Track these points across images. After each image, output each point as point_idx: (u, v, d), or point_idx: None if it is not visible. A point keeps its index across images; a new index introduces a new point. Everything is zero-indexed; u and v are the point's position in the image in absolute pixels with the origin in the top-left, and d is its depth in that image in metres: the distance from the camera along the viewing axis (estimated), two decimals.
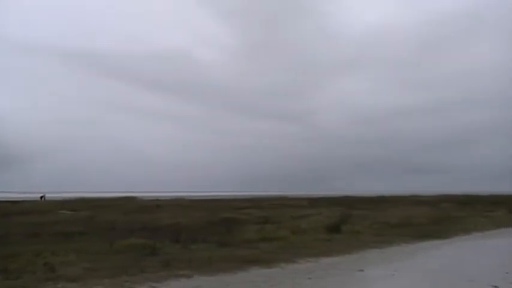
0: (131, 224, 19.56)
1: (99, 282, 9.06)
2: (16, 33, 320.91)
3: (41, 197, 57.52)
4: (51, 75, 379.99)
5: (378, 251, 14.54)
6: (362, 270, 10.95)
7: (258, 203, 44.77)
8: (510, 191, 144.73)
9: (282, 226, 19.97)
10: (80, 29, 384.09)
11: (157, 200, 50.49)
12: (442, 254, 14.23)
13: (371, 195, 78.20)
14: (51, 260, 11.00)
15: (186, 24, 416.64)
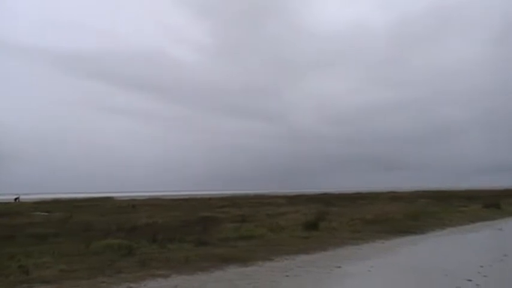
0: (108, 225, 19.40)
1: (75, 284, 8.94)
2: None
3: (15, 199, 56.78)
4: (27, 75, 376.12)
5: (355, 248, 14.62)
6: (339, 267, 11.00)
7: (236, 201, 44.80)
8: (484, 186, 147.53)
9: (259, 224, 19.97)
10: (57, 29, 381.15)
11: (134, 200, 50.23)
12: (417, 250, 14.38)
13: (348, 192, 78.79)
14: (26, 262, 10.82)
15: (164, 23, 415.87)
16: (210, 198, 54.58)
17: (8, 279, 9.28)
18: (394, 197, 54.39)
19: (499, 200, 39.47)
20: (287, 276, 9.95)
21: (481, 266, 10.92)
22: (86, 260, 11.56)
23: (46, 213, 30.10)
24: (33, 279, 9.30)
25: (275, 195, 66.79)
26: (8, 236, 15.89)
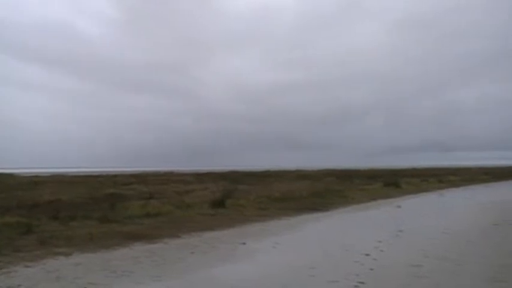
0: (6, 202, 18.49)
1: None
2: None
3: None
4: None
5: (261, 225, 14.86)
6: (244, 244, 11.13)
7: (143, 178, 44.10)
8: (386, 166, 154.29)
9: (166, 201, 19.83)
10: None
11: (37, 176, 48.18)
12: (321, 226, 14.81)
13: (256, 170, 79.74)
14: None
15: None
16: (116, 175, 53.32)
17: None
18: (300, 175, 55.54)
19: (398, 179, 41.46)
20: (193, 253, 9.96)
21: (379, 241, 11.45)
22: None
23: None
24: None
25: (184, 172, 66.39)
26: None
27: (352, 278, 7.66)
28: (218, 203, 19.01)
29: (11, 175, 48.74)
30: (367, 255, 9.65)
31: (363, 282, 7.34)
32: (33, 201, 19.05)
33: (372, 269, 8.30)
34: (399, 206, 21.56)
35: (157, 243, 11.27)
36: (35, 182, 36.92)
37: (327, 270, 8.22)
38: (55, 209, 15.49)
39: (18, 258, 9.10)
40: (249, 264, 8.89)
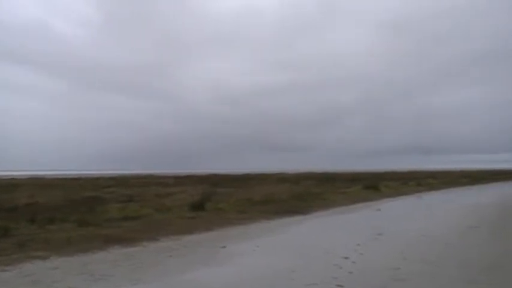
0: None
1: None
2: None
3: None
4: None
5: (241, 228, 14.85)
6: (224, 247, 11.12)
7: (123, 181, 43.94)
8: (366, 169, 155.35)
9: (146, 204, 19.74)
10: None
11: (14, 178, 47.67)
12: (301, 229, 14.83)
13: (237, 173, 79.69)
14: None
15: None
16: (97, 178, 52.99)
17: None
18: (281, 178, 55.63)
19: (378, 182, 41.70)
20: (171, 256, 9.91)
21: (358, 245, 11.49)
22: None
23: None
24: None
25: (164, 175, 66.23)
26: None
27: (330, 281, 7.69)
28: (198, 206, 18.97)
29: None
30: (346, 258, 9.69)
31: (341, 286, 7.37)
32: (11, 204, 18.82)
33: (350, 272, 8.33)
34: (378, 209, 21.66)
35: (136, 246, 11.20)
36: (13, 184, 36.52)
37: (306, 273, 8.23)
38: (33, 212, 15.33)
39: None
40: (229, 267, 8.86)
